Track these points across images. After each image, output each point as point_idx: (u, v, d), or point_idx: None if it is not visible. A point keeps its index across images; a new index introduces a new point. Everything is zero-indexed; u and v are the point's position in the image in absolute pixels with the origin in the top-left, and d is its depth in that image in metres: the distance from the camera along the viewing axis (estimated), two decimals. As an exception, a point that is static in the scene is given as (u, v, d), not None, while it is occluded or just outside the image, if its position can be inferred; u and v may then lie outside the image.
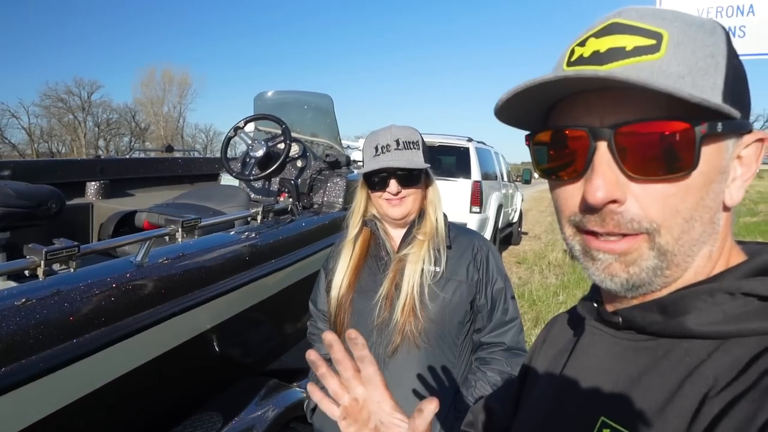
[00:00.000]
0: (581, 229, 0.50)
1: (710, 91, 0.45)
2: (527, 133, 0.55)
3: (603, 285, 0.50)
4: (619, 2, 0.54)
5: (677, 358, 0.46)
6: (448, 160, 7.42)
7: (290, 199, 2.76)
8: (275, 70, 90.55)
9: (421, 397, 1.27)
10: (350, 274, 1.45)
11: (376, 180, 1.40)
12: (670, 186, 0.45)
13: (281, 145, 2.88)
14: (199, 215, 2.03)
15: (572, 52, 0.50)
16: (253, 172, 2.90)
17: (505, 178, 9.31)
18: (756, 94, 0.51)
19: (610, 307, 0.55)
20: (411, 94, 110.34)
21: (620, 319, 0.52)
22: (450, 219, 1.51)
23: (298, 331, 2.56)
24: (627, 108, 0.46)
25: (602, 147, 0.46)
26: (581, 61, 0.48)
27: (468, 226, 1.71)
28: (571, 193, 0.50)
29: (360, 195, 1.49)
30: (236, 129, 2.95)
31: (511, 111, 0.52)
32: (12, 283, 1.34)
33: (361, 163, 1.52)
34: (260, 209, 2.35)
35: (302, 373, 2.21)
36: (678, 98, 0.41)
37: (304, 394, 1.96)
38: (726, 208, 0.49)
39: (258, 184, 3.16)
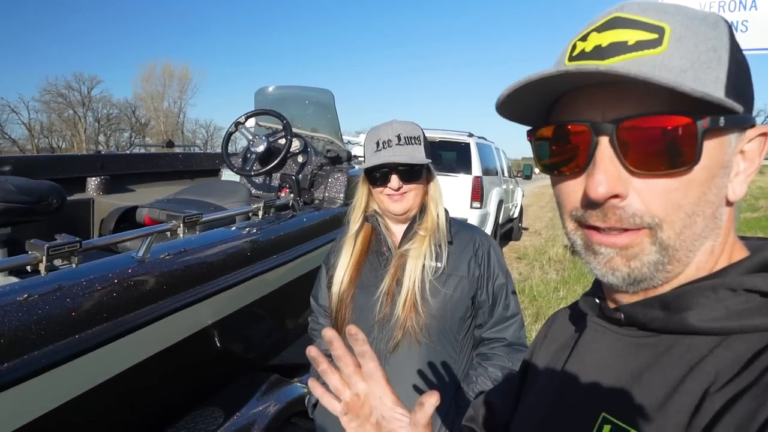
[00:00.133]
0: (583, 224, 0.50)
1: (713, 85, 0.44)
2: (529, 128, 0.55)
3: (604, 279, 0.50)
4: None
5: (679, 354, 0.46)
6: (449, 156, 7.40)
7: (291, 195, 2.76)
8: (276, 66, 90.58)
9: (422, 393, 1.27)
10: (351, 270, 1.45)
11: (377, 175, 1.39)
12: (672, 181, 0.45)
13: (282, 141, 2.88)
14: (201, 211, 2.03)
15: (574, 46, 0.50)
16: (254, 168, 2.90)
17: (506, 174, 9.30)
18: (757, 90, 0.51)
19: (611, 303, 0.55)
20: (412, 90, 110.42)
21: (622, 316, 0.52)
22: (450, 214, 1.51)
23: (300, 326, 2.56)
24: (629, 103, 0.45)
25: (604, 142, 0.46)
26: (583, 55, 0.48)
27: (468, 222, 1.71)
28: (573, 188, 0.50)
29: (361, 190, 1.49)
30: (237, 124, 2.95)
31: (512, 106, 0.52)
32: (13, 279, 1.34)
33: (362, 159, 1.52)
34: (261, 205, 2.35)
35: (303, 368, 2.22)
36: (680, 92, 0.41)
37: (306, 390, 1.96)
38: (729, 203, 0.49)
39: (259, 180, 3.16)
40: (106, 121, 46.88)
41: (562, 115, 0.51)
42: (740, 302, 0.45)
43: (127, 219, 2.71)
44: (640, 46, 0.45)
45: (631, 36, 0.46)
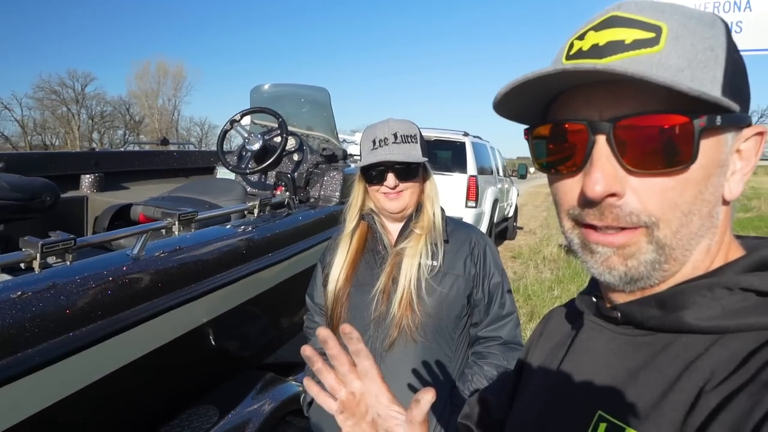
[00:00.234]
0: (580, 223, 0.50)
1: (709, 84, 0.45)
2: (526, 127, 0.55)
3: (601, 278, 0.50)
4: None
5: (675, 352, 0.47)
6: (444, 155, 7.42)
7: (287, 193, 2.76)
8: (271, 64, 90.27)
9: (417, 391, 1.27)
10: (347, 268, 1.45)
11: (373, 173, 1.39)
12: (669, 179, 0.45)
13: (278, 139, 2.87)
14: (196, 209, 2.02)
15: (571, 45, 0.50)
16: (250, 166, 2.89)
17: (501, 173, 9.32)
18: (752, 91, 0.51)
19: (608, 302, 0.55)
20: (408, 89, 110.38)
21: (619, 314, 0.52)
22: (446, 213, 1.51)
23: (295, 324, 2.56)
24: (626, 101, 0.46)
25: (601, 140, 0.46)
26: (580, 54, 0.48)
27: (464, 221, 1.71)
28: (570, 187, 0.50)
29: (357, 189, 1.49)
30: (232, 122, 2.94)
31: (509, 105, 0.52)
32: (7, 276, 1.33)
33: (357, 157, 1.51)
34: (257, 203, 2.34)
35: (298, 366, 2.22)
36: (677, 91, 0.41)
37: (301, 388, 1.96)
38: (725, 202, 0.49)
39: (254, 178, 3.15)
40: (100, 119, 46.64)
41: (560, 113, 0.51)
42: (736, 301, 0.45)
43: (121, 216, 2.69)
44: (638, 44, 0.45)
45: (628, 35, 0.46)
